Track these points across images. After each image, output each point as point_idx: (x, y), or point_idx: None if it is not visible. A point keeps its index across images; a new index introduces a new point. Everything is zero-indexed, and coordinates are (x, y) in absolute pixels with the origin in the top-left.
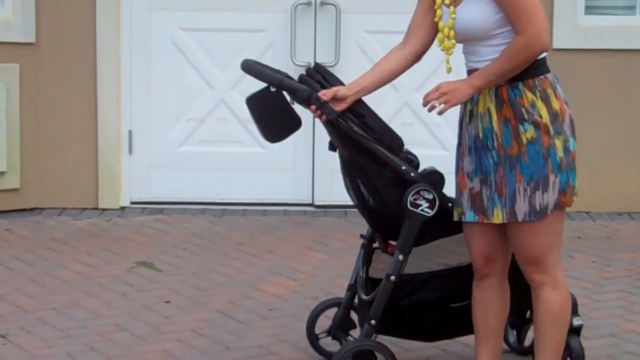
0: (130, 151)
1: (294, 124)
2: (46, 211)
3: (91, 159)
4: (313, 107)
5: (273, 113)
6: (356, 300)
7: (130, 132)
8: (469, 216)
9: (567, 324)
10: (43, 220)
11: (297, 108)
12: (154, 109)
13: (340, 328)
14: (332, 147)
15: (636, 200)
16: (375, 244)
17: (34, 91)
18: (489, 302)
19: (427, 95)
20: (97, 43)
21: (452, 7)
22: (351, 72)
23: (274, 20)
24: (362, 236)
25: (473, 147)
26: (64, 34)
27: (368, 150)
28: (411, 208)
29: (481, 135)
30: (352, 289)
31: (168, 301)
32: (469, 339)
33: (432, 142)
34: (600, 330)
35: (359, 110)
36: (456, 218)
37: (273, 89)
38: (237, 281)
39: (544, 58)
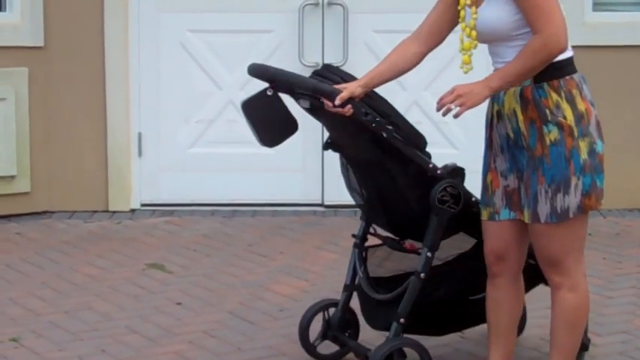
0: (140, 153)
1: (292, 127)
2: (56, 214)
3: (100, 162)
4: (347, 108)
5: (270, 117)
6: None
7: (140, 134)
8: (504, 214)
9: (582, 329)
10: (54, 223)
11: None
12: (163, 111)
13: (339, 330)
14: (328, 146)
15: None
16: (367, 243)
17: (43, 94)
18: (501, 301)
19: (442, 98)
20: (105, 46)
21: (473, 7)
22: (359, 72)
23: (282, 21)
24: (354, 236)
25: (505, 146)
26: (73, 38)
27: (394, 149)
28: (438, 204)
29: (512, 135)
30: (349, 289)
31: (179, 303)
32: (481, 338)
33: (442, 140)
34: (612, 327)
35: (386, 110)
36: (485, 218)
37: (269, 93)
38: (247, 282)
39: (571, 58)
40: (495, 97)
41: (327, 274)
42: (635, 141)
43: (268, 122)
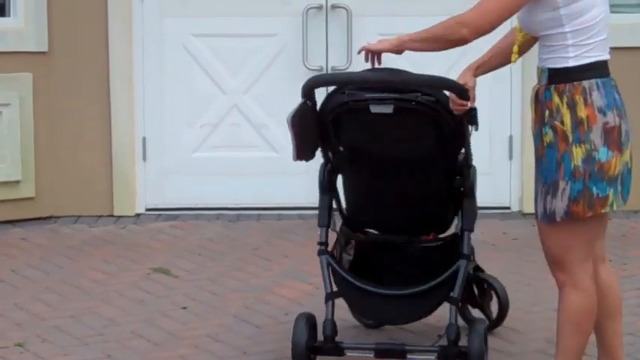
0: (144, 157)
1: (317, 141)
2: (61, 219)
3: (105, 166)
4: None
5: (310, 128)
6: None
7: (144, 139)
8: None
9: (587, 330)
10: (59, 228)
11: None
12: (167, 115)
13: (332, 340)
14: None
15: None
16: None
17: (47, 100)
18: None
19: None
20: (109, 51)
21: None
22: None
23: (286, 25)
24: (321, 243)
25: None
26: (77, 43)
27: (449, 143)
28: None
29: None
30: (332, 297)
31: (184, 307)
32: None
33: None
34: None
35: None
36: None
37: (309, 103)
38: (253, 286)
39: (588, 64)
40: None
41: None
42: (638, 141)
43: (308, 134)
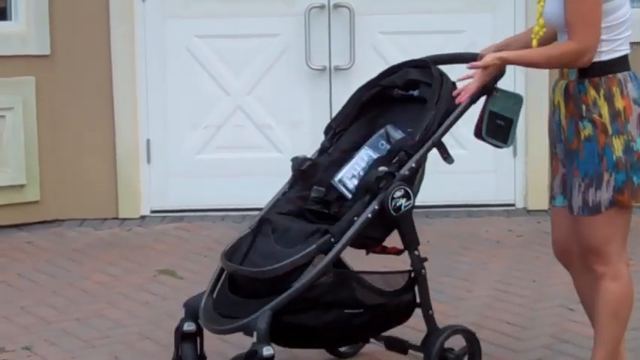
0: (149, 160)
1: None
2: (66, 222)
3: (109, 169)
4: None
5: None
6: None
7: (148, 141)
8: (559, 200)
9: (626, 318)
10: (64, 231)
11: None
12: (170, 117)
13: None
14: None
15: None
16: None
17: (50, 103)
18: (585, 287)
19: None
20: (112, 53)
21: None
22: (366, 74)
23: (288, 24)
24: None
25: (557, 136)
26: (79, 46)
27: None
28: None
29: (555, 127)
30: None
31: None
32: (494, 336)
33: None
34: None
35: None
36: (549, 203)
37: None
38: None
39: (618, 59)
40: (552, 87)
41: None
42: None
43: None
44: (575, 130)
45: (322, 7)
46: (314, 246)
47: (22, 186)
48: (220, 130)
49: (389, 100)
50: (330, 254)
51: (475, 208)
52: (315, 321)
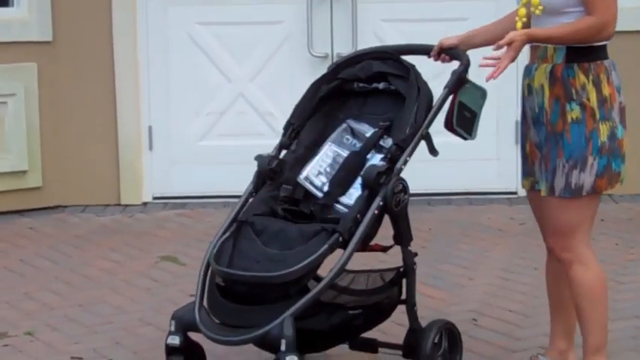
0: (151, 146)
1: None
2: (68, 208)
3: (112, 155)
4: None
5: None
6: None
7: (150, 128)
8: (538, 185)
9: (603, 301)
10: (66, 217)
11: None
12: (172, 104)
13: None
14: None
15: None
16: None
17: (52, 89)
18: (561, 272)
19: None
20: (114, 40)
21: None
22: None
23: (290, 12)
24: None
25: (532, 120)
26: (81, 32)
27: None
28: None
29: (536, 110)
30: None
31: (192, 295)
32: (495, 324)
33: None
34: (625, 312)
35: None
36: (527, 188)
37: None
38: None
39: (604, 45)
40: (527, 72)
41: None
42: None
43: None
44: (561, 112)
45: None
46: (326, 246)
47: (24, 172)
48: (222, 117)
49: (347, 93)
50: (345, 255)
51: (477, 196)
52: (324, 325)
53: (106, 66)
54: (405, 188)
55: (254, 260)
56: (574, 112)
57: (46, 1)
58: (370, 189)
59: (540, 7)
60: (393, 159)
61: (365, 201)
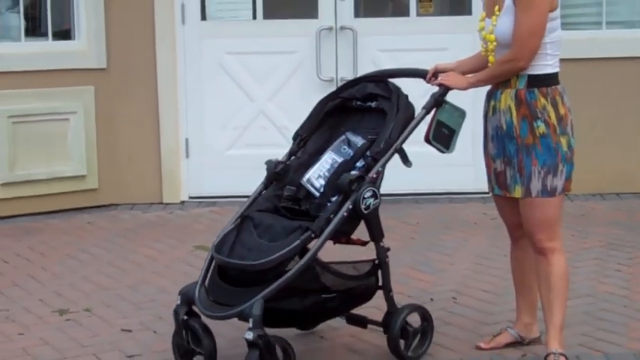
0: (187, 155)
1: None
2: (120, 206)
3: (155, 162)
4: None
5: None
6: None
7: (187, 139)
8: (496, 190)
9: (568, 283)
10: (118, 214)
11: None
12: (205, 120)
13: None
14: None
15: (606, 183)
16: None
17: (107, 108)
18: (524, 258)
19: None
20: (157, 67)
21: (493, 17)
22: None
23: (303, 44)
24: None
25: (495, 136)
26: (130, 61)
27: None
28: None
29: (504, 127)
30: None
31: None
32: (473, 302)
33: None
34: (579, 291)
35: None
36: (490, 192)
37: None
38: None
39: (556, 73)
40: (493, 96)
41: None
42: (598, 138)
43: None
44: (530, 128)
45: (330, 29)
46: (298, 241)
47: (83, 176)
48: (246, 130)
49: (348, 110)
50: (313, 249)
51: (457, 196)
52: (297, 305)
53: (150, 89)
54: (375, 194)
55: (248, 249)
56: (540, 128)
57: (101, 35)
58: (344, 194)
59: (494, 43)
60: (369, 168)
61: (339, 204)
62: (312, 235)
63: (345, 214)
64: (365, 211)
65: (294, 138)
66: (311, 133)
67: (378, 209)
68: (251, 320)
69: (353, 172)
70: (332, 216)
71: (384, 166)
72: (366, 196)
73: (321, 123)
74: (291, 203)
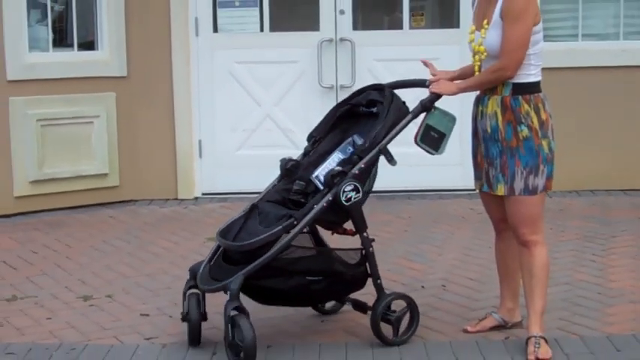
0: (200, 155)
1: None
2: (138, 202)
3: (171, 162)
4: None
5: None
6: None
7: (200, 141)
8: (485, 187)
9: (548, 273)
10: (137, 209)
11: None
12: (217, 123)
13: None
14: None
15: (582, 181)
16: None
17: (127, 112)
18: (507, 249)
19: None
20: (173, 75)
21: (482, 30)
22: None
23: (305, 54)
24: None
25: (483, 138)
26: (149, 69)
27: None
28: None
29: (489, 130)
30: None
31: None
32: (461, 289)
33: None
34: (557, 280)
35: None
36: (478, 189)
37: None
38: None
39: (539, 81)
40: (481, 101)
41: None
42: (575, 140)
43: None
44: (514, 132)
45: (331, 40)
46: (280, 227)
47: (105, 174)
48: (254, 132)
49: (356, 115)
50: (291, 233)
51: (445, 192)
52: (282, 285)
53: (167, 95)
54: (356, 188)
55: (249, 234)
56: (523, 132)
57: (122, 46)
58: (328, 187)
59: (485, 54)
60: (353, 165)
61: (322, 196)
62: (295, 222)
63: (325, 204)
64: (346, 203)
65: (309, 139)
66: (324, 135)
67: (362, 203)
68: (229, 294)
69: (336, 168)
70: (315, 206)
71: (373, 164)
72: (346, 190)
73: (334, 127)
74: (300, 197)
